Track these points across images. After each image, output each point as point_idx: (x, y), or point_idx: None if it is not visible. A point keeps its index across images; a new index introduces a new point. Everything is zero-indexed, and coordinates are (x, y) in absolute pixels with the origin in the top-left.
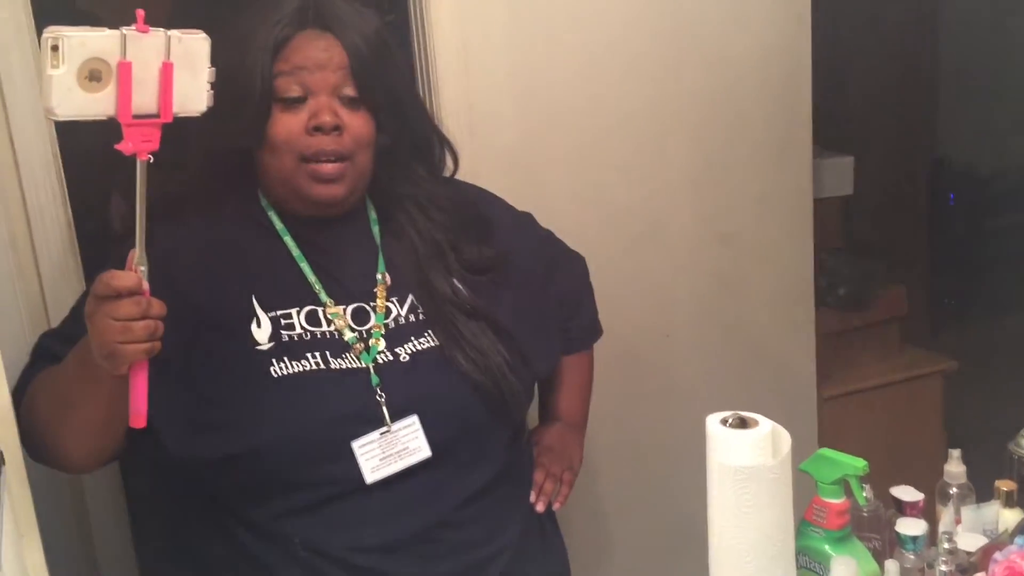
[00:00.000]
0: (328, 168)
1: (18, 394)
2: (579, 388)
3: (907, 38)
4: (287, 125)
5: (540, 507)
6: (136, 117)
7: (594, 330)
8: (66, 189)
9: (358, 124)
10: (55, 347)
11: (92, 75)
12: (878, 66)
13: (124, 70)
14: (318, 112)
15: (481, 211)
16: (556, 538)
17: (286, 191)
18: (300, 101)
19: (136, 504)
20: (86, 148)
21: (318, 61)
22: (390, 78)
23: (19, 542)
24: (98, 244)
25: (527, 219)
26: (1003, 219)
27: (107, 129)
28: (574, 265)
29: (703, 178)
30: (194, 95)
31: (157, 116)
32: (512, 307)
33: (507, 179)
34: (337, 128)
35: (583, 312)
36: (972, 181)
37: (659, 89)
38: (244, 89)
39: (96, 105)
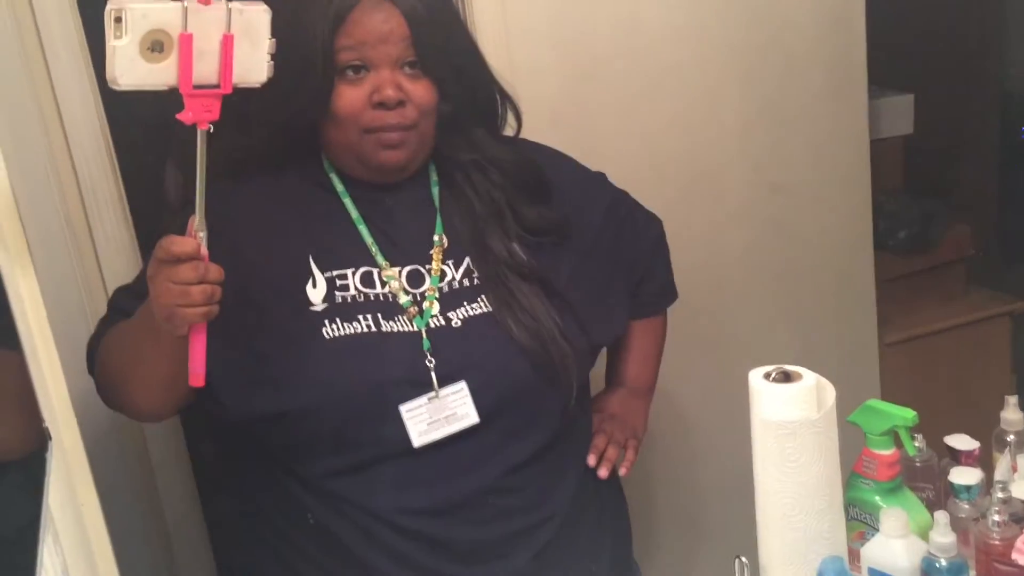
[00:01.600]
0: (392, 135)
1: (93, 345)
2: (647, 353)
3: None
4: (350, 98)
5: (603, 472)
6: (197, 87)
7: (666, 294)
8: (116, 163)
9: (421, 93)
10: (126, 303)
11: (154, 46)
12: None
13: (185, 42)
14: (381, 87)
15: (544, 172)
16: (615, 500)
17: (350, 159)
18: (361, 72)
19: (201, 465)
20: (135, 121)
21: (380, 34)
22: (451, 43)
23: (79, 511)
24: (151, 215)
25: (598, 179)
26: None
27: (156, 102)
28: (648, 227)
29: (754, 124)
30: (254, 66)
31: (217, 87)
32: (571, 271)
33: (551, 132)
34: (401, 103)
35: (655, 276)
36: None
37: (706, 35)
38: (306, 63)
39: (158, 75)
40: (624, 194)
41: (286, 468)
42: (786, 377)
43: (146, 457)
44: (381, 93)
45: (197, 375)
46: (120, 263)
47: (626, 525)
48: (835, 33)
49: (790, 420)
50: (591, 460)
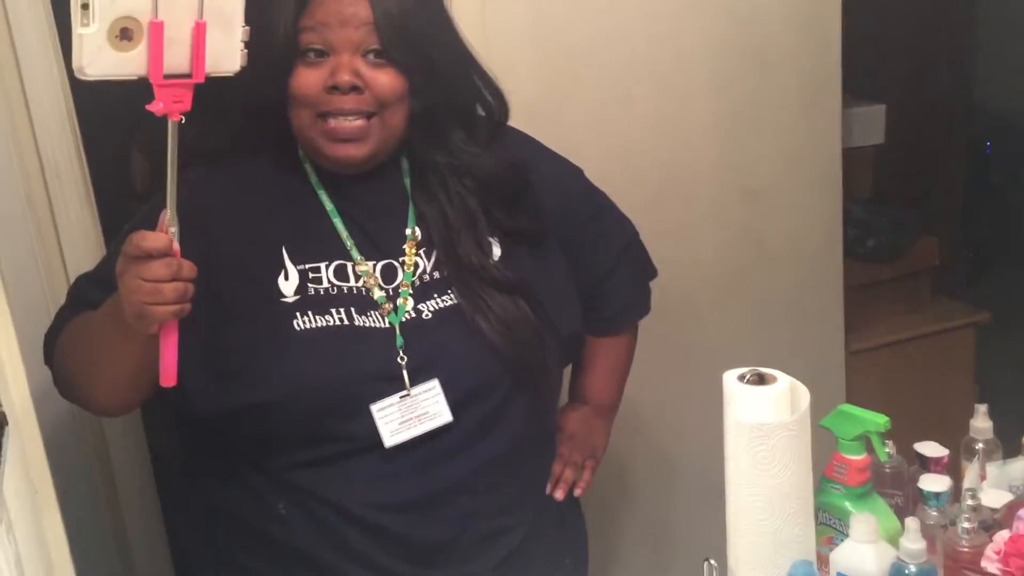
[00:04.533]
0: (346, 127)
1: (52, 335)
2: (613, 371)
3: None
4: (308, 80)
5: (559, 495)
6: (167, 77)
7: (634, 306)
8: (82, 145)
9: (383, 82)
10: (89, 292)
11: (123, 34)
12: (912, 9)
13: (156, 30)
14: (336, 71)
15: (527, 177)
16: (575, 521)
17: (309, 147)
18: (322, 56)
19: (160, 459)
20: (103, 102)
21: (342, 17)
22: (424, 35)
23: (33, 499)
24: (116, 200)
25: (575, 173)
26: None
27: (125, 84)
28: (620, 231)
29: (729, 129)
30: (227, 54)
31: (189, 76)
32: (547, 272)
33: (527, 131)
34: (356, 88)
35: (619, 290)
36: (1009, 128)
37: (684, 40)
38: (266, 42)
39: (127, 65)
40: (600, 193)
41: (249, 461)
42: (760, 379)
43: (104, 447)
44: (335, 77)
45: (169, 375)
46: (83, 247)
47: (584, 547)
48: (811, 42)
49: (764, 422)
50: (549, 487)
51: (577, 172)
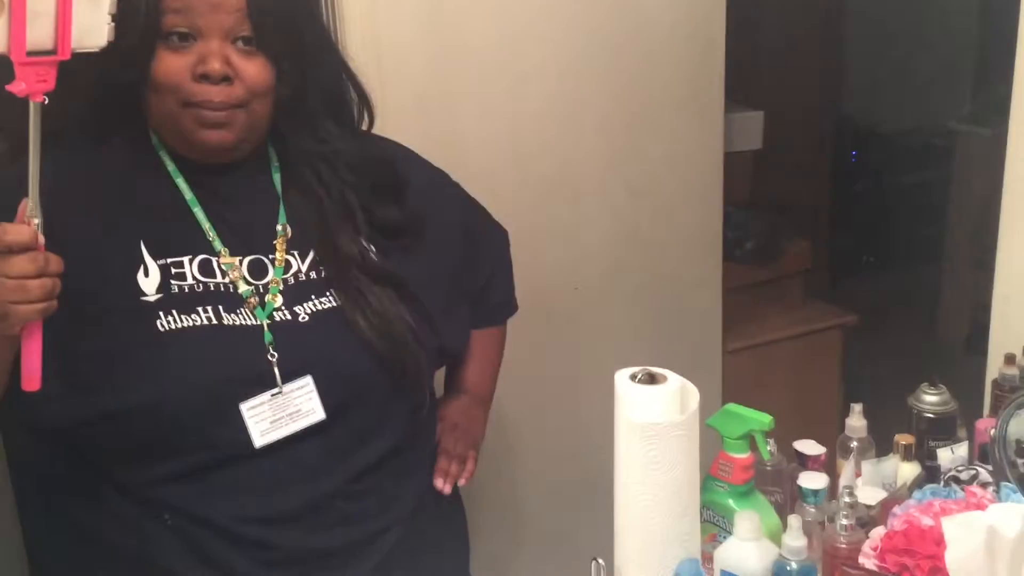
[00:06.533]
0: (215, 114)
1: None
2: (488, 362)
3: None
4: (173, 67)
5: (447, 489)
6: (31, 54)
7: (508, 305)
8: None
9: (253, 72)
10: None
11: None
12: (789, 21)
13: (18, 2)
14: (206, 58)
15: (397, 169)
16: (455, 509)
17: (173, 134)
18: (188, 41)
19: (18, 472)
20: None
21: (211, 1)
22: (294, 23)
23: None
24: None
25: (447, 179)
26: (903, 177)
27: None
28: (494, 238)
29: (615, 130)
30: (94, 29)
31: (54, 53)
32: (423, 272)
33: (416, 124)
34: (227, 78)
35: (498, 287)
36: (872, 140)
37: (573, 38)
38: (126, 22)
39: None
40: (471, 199)
41: (106, 474)
42: (652, 379)
43: None
44: (205, 65)
45: (32, 377)
46: None
47: (465, 539)
48: (697, 48)
49: (656, 422)
50: (438, 483)
51: (449, 180)
